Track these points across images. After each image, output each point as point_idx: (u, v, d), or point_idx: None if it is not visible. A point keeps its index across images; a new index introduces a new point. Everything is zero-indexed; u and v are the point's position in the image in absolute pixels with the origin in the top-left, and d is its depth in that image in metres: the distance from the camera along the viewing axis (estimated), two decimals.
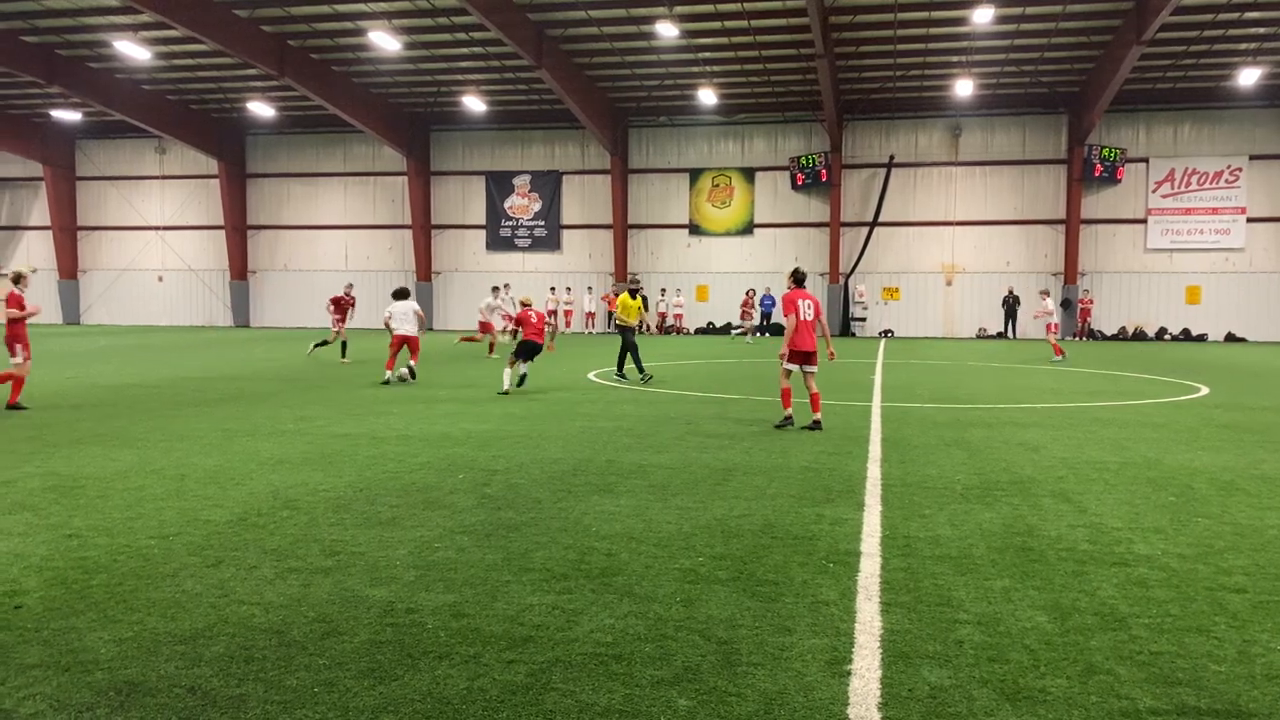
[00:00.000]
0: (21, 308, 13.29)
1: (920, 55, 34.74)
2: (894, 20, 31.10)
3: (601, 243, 43.46)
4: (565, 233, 44.08)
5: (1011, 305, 39.15)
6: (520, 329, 16.72)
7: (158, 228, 47.61)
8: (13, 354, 13.20)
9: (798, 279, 12.52)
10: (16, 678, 4.26)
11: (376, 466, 9.38)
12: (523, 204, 44.18)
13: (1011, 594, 5.55)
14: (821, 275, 41.26)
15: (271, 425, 12.14)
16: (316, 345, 23.53)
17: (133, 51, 33.88)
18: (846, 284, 41.13)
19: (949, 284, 41.08)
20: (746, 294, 39.17)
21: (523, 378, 16.58)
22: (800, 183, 41.11)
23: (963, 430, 12.09)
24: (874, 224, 40.47)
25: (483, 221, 44.61)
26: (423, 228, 44.17)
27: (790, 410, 12.31)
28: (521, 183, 44.05)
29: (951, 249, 40.91)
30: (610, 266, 42.94)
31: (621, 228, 42.55)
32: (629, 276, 42.60)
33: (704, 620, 5.06)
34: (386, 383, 17.49)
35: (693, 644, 4.72)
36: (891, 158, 40.47)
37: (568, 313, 42.31)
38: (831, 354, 12.77)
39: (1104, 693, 4.20)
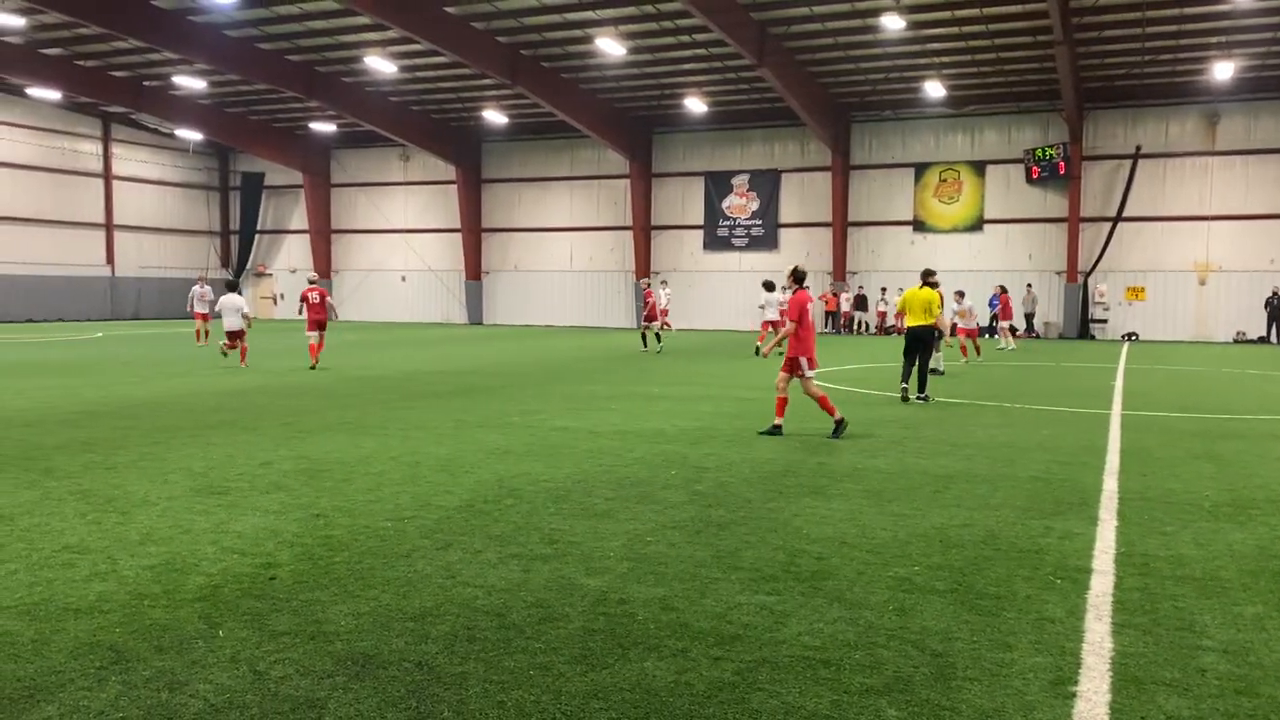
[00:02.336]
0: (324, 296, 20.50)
1: (1172, 38, 32.13)
2: (1143, 1, 28.96)
3: (820, 241, 42.81)
4: (783, 231, 43.74)
5: (1276, 307, 35.58)
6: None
7: (402, 230, 50.91)
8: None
9: (800, 278, 11.72)
10: (269, 643, 4.68)
11: (593, 460, 9.65)
12: (740, 203, 44.19)
13: (1265, 622, 5.07)
14: (1059, 274, 39.00)
15: (499, 418, 12.74)
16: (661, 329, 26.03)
17: (381, 66, 36.40)
18: (1086, 283, 38.68)
19: (1202, 283, 37.83)
20: (1002, 293, 31.15)
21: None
22: (1035, 176, 38.99)
23: (1213, 442, 11.13)
24: (1117, 219, 37.80)
25: (700, 222, 44.94)
26: (643, 229, 45.00)
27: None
28: (740, 182, 44.07)
29: (1206, 245, 37.63)
30: (828, 265, 42.23)
31: (841, 225, 41.76)
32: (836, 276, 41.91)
33: (918, 631, 4.90)
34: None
35: (905, 654, 4.59)
36: (1138, 148, 37.68)
37: (783, 312, 41.92)
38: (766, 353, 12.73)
39: None
